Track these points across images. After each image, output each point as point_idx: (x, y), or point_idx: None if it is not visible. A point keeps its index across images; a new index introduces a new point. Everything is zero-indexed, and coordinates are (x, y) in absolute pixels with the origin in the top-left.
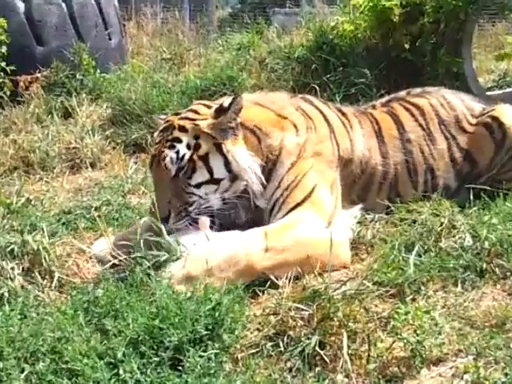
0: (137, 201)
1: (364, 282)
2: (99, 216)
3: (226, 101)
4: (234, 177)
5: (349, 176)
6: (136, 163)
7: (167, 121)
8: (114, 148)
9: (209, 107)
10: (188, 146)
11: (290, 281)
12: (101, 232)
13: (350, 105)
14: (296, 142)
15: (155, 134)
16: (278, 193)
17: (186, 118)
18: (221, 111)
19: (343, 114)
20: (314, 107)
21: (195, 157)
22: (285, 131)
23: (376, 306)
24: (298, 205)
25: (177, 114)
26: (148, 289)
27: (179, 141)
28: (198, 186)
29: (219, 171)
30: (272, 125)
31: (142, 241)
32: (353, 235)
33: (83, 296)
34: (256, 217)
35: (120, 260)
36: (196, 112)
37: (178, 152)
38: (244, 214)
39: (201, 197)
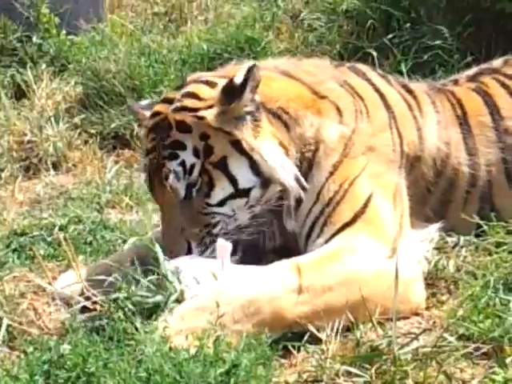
0: (118, 217)
1: (444, 335)
2: (65, 239)
3: (236, 72)
4: (266, 181)
5: (419, 181)
6: (117, 163)
7: (157, 113)
8: (85, 142)
9: (212, 85)
10: (195, 152)
11: (337, 333)
12: (68, 262)
13: (421, 79)
14: (339, 134)
15: (142, 133)
16: (315, 210)
17: (184, 109)
18: (231, 91)
19: (410, 91)
20: (368, 82)
21: (208, 165)
22: (323, 116)
23: (462, 370)
24: (346, 225)
25: (169, 102)
26: (134, 344)
27: (182, 146)
28: (221, 203)
29: (245, 178)
30: (304, 106)
31: (126, 275)
32: (428, 267)
33: (43, 354)
34: (288, 243)
35: (95, 302)
36: (196, 96)
37: (183, 163)
38: (276, 236)
39: (228, 215)
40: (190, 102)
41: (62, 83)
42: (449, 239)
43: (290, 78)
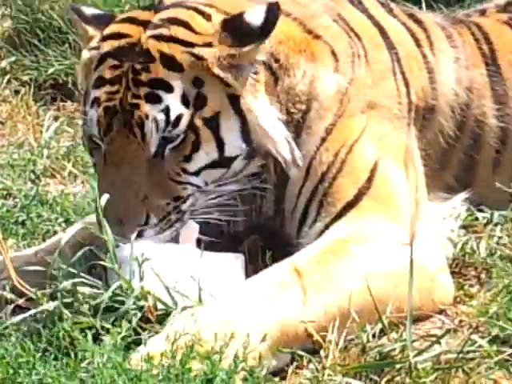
0: (58, 189)
1: (473, 337)
2: None
3: (229, 5)
4: (253, 152)
5: (435, 138)
6: (57, 119)
7: (121, 34)
8: (16, 92)
9: (206, 17)
10: (185, 100)
11: (339, 337)
12: None
13: (444, 7)
14: (336, 87)
15: (85, 57)
16: (307, 188)
17: (173, 40)
18: (240, 30)
19: (418, 22)
20: (365, 14)
21: (198, 120)
22: (317, 64)
23: (496, 381)
24: (348, 206)
25: (140, 24)
26: (79, 353)
27: (167, 88)
28: (198, 172)
29: (233, 144)
30: (297, 50)
31: (73, 261)
32: (453, 251)
33: None
34: (271, 224)
35: (29, 300)
36: (188, 26)
37: (167, 110)
38: (248, 217)
39: (199, 188)
40: (180, 32)
41: None
42: (479, 215)
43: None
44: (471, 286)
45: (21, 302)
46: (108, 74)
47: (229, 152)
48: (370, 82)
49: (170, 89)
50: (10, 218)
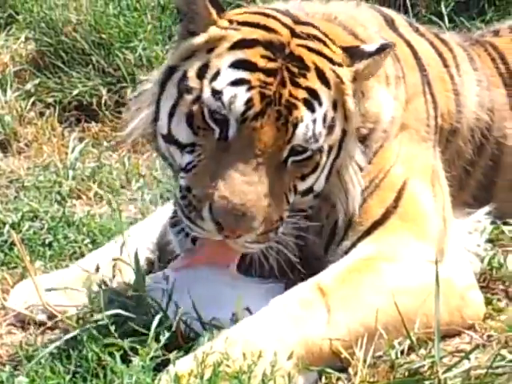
0: (85, 210)
1: (503, 352)
2: (18, 241)
3: (364, 25)
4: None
5: (455, 161)
6: (82, 141)
7: (270, 29)
8: (41, 114)
9: (330, 38)
10: (324, 119)
11: (368, 354)
12: (22, 270)
13: (466, 22)
14: (392, 110)
15: (219, 33)
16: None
17: (322, 55)
18: (356, 52)
19: (444, 42)
20: (397, 34)
21: (326, 145)
22: (381, 85)
23: None
24: (376, 224)
25: (282, 23)
26: (109, 376)
27: (320, 102)
28: (304, 193)
29: (322, 179)
30: None
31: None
32: (480, 266)
33: None
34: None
35: (62, 322)
36: (327, 45)
37: (314, 122)
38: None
39: (294, 212)
40: (325, 50)
41: (9, 39)
42: (505, 228)
43: (350, 33)
44: (499, 300)
45: (49, 323)
46: (261, 63)
47: (318, 185)
48: (404, 104)
49: (320, 103)
50: (37, 240)
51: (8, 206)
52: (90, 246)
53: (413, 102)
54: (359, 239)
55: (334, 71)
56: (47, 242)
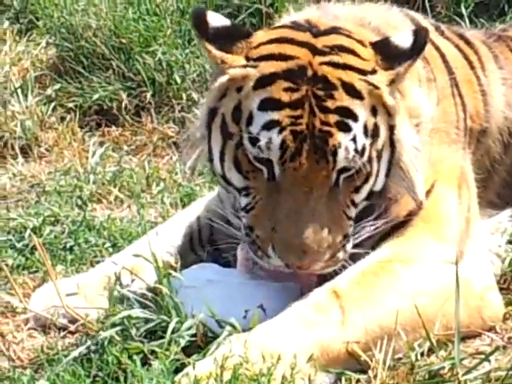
0: (105, 214)
1: None
2: (39, 245)
3: (396, 31)
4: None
5: (483, 161)
6: (102, 145)
7: (292, 57)
8: (62, 119)
9: (361, 42)
10: (366, 129)
11: (388, 356)
12: (43, 274)
13: (487, 23)
14: (431, 108)
15: (238, 74)
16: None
17: (349, 68)
18: (389, 52)
19: (469, 44)
20: None
21: (373, 152)
22: (415, 84)
23: None
24: (398, 226)
25: (305, 46)
26: (130, 379)
27: (353, 116)
28: (358, 204)
29: (381, 179)
30: None
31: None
32: (501, 267)
33: None
34: None
35: (81, 325)
36: (355, 54)
37: (355, 139)
38: None
39: (354, 224)
40: (352, 60)
41: (29, 45)
42: None
43: (382, 36)
44: None
45: (71, 327)
46: (285, 97)
47: (377, 186)
48: (434, 106)
49: (355, 118)
50: (58, 244)
51: (29, 211)
52: (110, 249)
53: (442, 105)
54: (379, 240)
55: (364, 81)
56: (68, 246)
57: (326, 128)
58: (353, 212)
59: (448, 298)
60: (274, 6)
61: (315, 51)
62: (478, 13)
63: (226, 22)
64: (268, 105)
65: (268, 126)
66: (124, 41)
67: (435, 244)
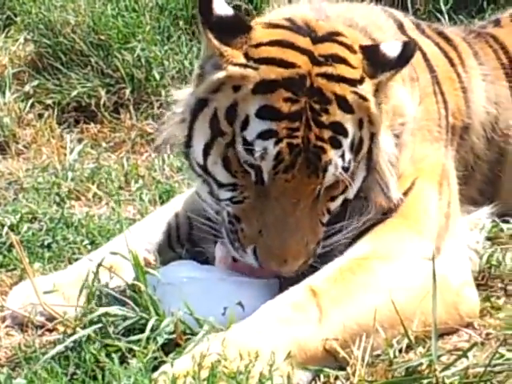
0: (83, 211)
1: (501, 350)
2: (17, 242)
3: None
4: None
5: (465, 157)
6: (80, 142)
7: (290, 64)
8: (39, 116)
9: (351, 49)
10: (352, 144)
11: (366, 352)
12: (20, 271)
13: (465, 20)
14: (414, 107)
15: (237, 73)
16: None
17: (342, 80)
18: (377, 58)
19: (448, 41)
20: (406, 36)
21: (355, 163)
22: (398, 84)
23: None
24: (376, 222)
25: (303, 52)
26: (108, 377)
27: (344, 132)
28: (333, 211)
29: (356, 186)
30: None
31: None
32: (479, 263)
33: None
34: None
35: (60, 323)
36: (347, 63)
37: (343, 155)
38: None
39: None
40: (345, 71)
41: (7, 41)
42: (504, 226)
43: (370, 39)
44: (498, 297)
45: (48, 325)
46: (285, 108)
47: (351, 194)
48: (417, 105)
49: (346, 134)
50: (36, 242)
51: (7, 208)
52: (88, 247)
53: (424, 103)
54: (356, 238)
55: (355, 93)
56: (46, 243)
57: (320, 143)
58: (326, 219)
59: (426, 294)
60: (253, 2)
61: (314, 60)
62: (456, 9)
63: (230, 10)
64: (267, 113)
65: (264, 135)
66: (103, 37)
67: (414, 240)
